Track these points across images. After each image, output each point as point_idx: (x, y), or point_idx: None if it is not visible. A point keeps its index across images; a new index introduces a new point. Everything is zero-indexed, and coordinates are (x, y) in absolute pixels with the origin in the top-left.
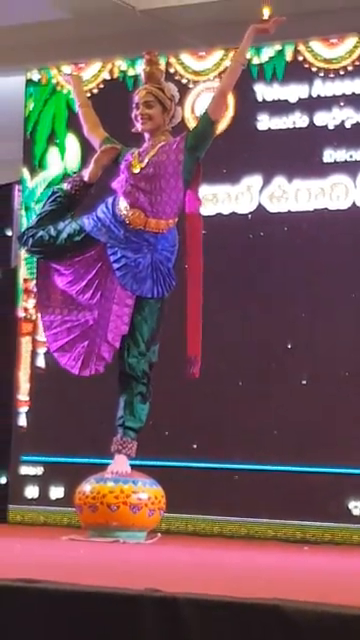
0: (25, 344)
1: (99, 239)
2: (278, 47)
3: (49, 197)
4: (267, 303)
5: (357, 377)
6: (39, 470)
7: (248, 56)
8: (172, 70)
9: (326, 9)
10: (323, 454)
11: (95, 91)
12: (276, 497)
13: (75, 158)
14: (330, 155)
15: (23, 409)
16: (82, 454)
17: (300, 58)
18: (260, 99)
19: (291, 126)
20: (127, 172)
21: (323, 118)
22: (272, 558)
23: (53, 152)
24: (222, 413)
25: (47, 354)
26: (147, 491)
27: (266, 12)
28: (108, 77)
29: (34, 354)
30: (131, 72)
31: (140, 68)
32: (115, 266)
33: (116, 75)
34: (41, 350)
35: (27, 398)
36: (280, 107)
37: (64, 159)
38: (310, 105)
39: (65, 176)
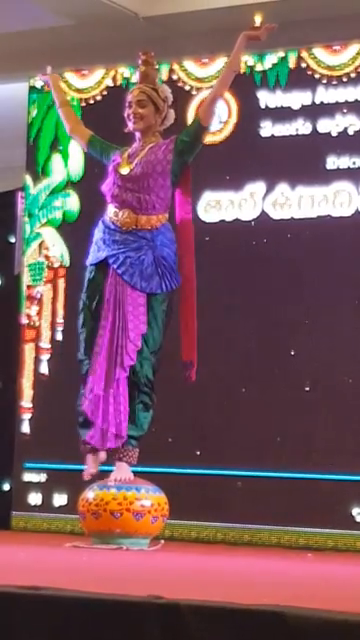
0: (28, 351)
1: (103, 258)
2: (281, 54)
3: None
4: (270, 310)
5: None
6: (42, 477)
7: (251, 63)
8: (175, 77)
9: (329, 16)
10: (326, 461)
11: (98, 98)
12: (279, 504)
13: (78, 165)
14: (333, 162)
15: (26, 416)
16: (85, 461)
17: (303, 65)
18: (263, 106)
19: (294, 133)
20: (114, 174)
21: (326, 125)
22: (275, 565)
23: (56, 159)
24: (225, 420)
25: (50, 360)
26: (150, 498)
27: (257, 19)
28: (111, 84)
29: (37, 361)
30: (134, 79)
31: (127, 72)
32: (121, 270)
33: (119, 82)
34: (44, 357)
35: (30, 405)
36: (283, 114)
37: (67, 166)
38: (313, 112)
39: (68, 183)
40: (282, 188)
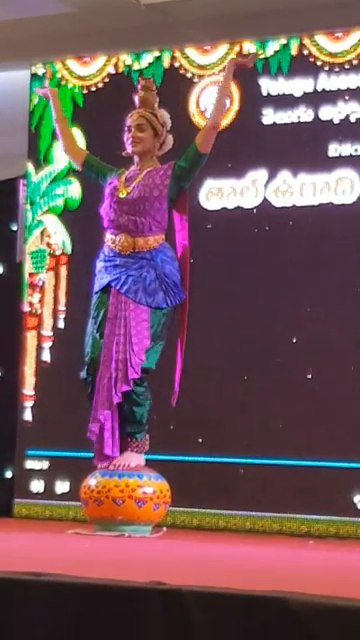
0: (30, 338)
1: (106, 284)
2: (283, 41)
3: None
4: (272, 297)
5: None
6: (45, 464)
7: (253, 50)
8: (177, 64)
9: (332, 3)
10: (328, 448)
11: (100, 85)
12: (281, 491)
13: None
14: (335, 149)
15: (28, 403)
16: (88, 448)
17: (305, 52)
18: (265, 93)
19: (296, 120)
20: (111, 198)
21: (328, 112)
22: (277, 552)
23: (58, 146)
24: (227, 407)
25: (52, 348)
26: (152, 485)
27: (247, 48)
28: (113, 71)
29: (39, 348)
30: (136, 66)
31: (137, 90)
32: (124, 289)
33: (121, 69)
34: (46, 344)
35: (32, 392)
36: (285, 101)
37: None
38: (315, 99)
39: (70, 170)
40: (284, 175)
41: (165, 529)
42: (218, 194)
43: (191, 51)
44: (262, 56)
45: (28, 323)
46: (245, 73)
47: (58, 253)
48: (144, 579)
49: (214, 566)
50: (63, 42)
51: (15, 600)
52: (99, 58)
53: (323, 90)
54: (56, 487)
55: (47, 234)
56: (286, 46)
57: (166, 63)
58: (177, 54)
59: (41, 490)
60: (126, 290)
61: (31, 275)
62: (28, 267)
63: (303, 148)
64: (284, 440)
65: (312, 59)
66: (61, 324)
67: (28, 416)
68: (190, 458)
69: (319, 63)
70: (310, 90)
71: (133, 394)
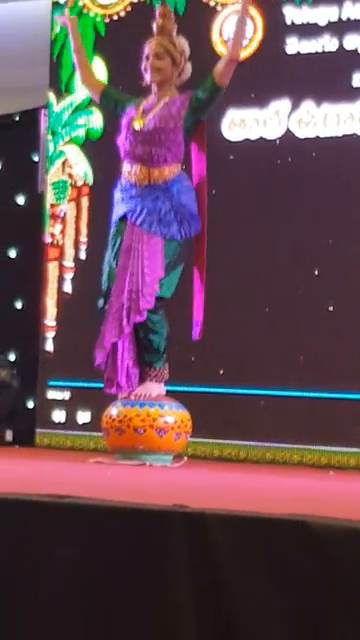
0: (52, 269)
1: (122, 215)
2: None
3: None
4: (294, 229)
5: None
6: (66, 395)
7: None
8: None
9: None
10: (349, 380)
11: (122, 14)
12: (302, 423)
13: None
14: None
15: (50, 334)
16: None
17: None
18: (289, 22)
19: (320, 50)
20: (127, 129)
21: (353, 41)
22: (298, 481)
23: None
24: (249, 339)
25: (73, 279)
26: (174, 414)
27: None
28: (135, 0)
29: (61, 279)
30: None
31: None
32: (139, 220)
33: None
34: (68, 276)
35: (54, 323)
36: (309, 30)
37: None
38: (340, 28)
39: (91, 101)
40: (307, 106)
41: (186, 459)
42: (241, 124)
43: None
44: None
45: (49, 254)
46: (269, 2)
47: (80, 184)
48: (166, 503)
49: (236, 492)
50: None
51: (37, 521)
52: None
53: (348, 19)
54: (77, 417)
55: (69, 165)
56: None
57: None
58: None
59: (63, 420)
60: (140, 222)
61: (52, 206)
62: (50, 198)
63: (327, 78)
64: (305, 372)
65: None
66: (82, 255)
67: (50, 347)
68: (211, 389)
69: None
70: (335, 19)
71: (149, 322)
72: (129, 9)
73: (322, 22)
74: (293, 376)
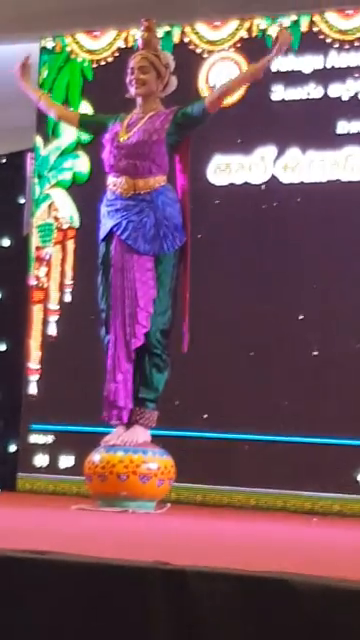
0: (36, 312)
1: (109, 229)
2: (294, 18)
3: None
4: (279, 274)
5: None
6: (49, 439)
7: (263, 26)
8: (187, 39)
9: None
10: (333, 425)
11: (110, 59)
12: (285, 468)
13: None
14: (344, 127)
15: (34, 377)
16: (92, 423)
17: (315, 29)
18: (275, 69)
19: (305, 97)
20: (111, 143)
21: (337, 89)
22: (281, 529)
23: None
24: (233, 383)
25: (58, 322)
26: (157, 461)
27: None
28: (123, 45)
29: (45, 322)
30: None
31: (138, 35)
32: (124, 235)
33: (131, 43)
34: (52, 318)
35: (38, 366)
36: (295, 78)
37: None
38: (325, 76)
39: (78, 144)
40: (293, 152)
41: (169, 505)
42: (226, 169)
43: (201, 26)
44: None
45: (34, 297)
46: (255, 49)
47: (65, 227)
48: (148, 557)
49: (218, 544)
50: (73, 16)
51: (17, 578)
52: (109, 32)
53: (333, 67)
54: (60, 462)
55: (54, 208)
56: (296, 23)
57: (176, 38)
58: (187, 29)
59: (45, 464)
60: (127, 237)
61: (38, 249)
62: (35, 240)
63: (312, 125)
64: (289, 417)
65: (322, 36)
66: (67, 298)
67: (33, 390)
68: (195, 434)
69: (329, 40)
70: (320, 67)
71: (159, 359)
72: (117, 54)
73: (307, 70)
74: (277, 421)
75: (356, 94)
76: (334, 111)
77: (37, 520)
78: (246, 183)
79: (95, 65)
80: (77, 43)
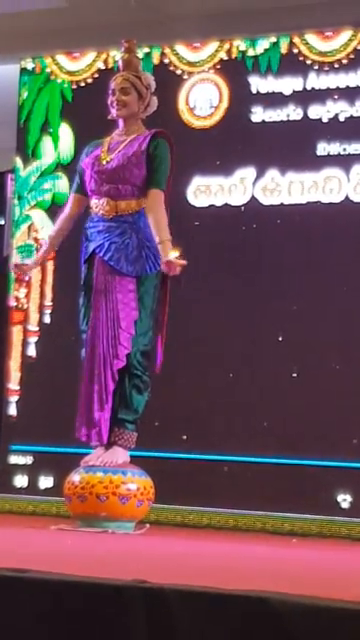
0: (16, 333)
1: (91, 251)
2: (273, 39)
3: None
4: (259, 295)
5: (347, 370)
6: (29, 459)
7: (243, 48)
8: (167, 61)
9: (321, 1)
10: (312, 446)
11: (89, 80)
12: (265, 489)
13: (68, 148)
14: (324, 148)
15: (13, 398)
16: (72, 444)
17: (295, 51)
18: (254, 91)
19: (285, 119)
20: (91, 167)
21: (317, 111)
22: (260, 550)
23: (47, 141)
24: (212, 405)
25: (38, 343)
26: (136, 481)
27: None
28: (103, 67)
29: (25, 343)
30: None
31: (118, 56)
32: (107, 256)
33: (110, 65)
34: (32, 339)
35: (17, 387)
36: (274, 99)
37: (57, 148)
38: (304, 98)
39: (58, 165)
40: (272, 174)
41: (148, 526)
42: (206, 191)
43: (181, 48)
44: (252, 54)
45: (14, 318)
46: (234, 71)
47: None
48: (127, 576)
49: (197, 564)
50: (53, 37)
51: None
52: (89, 53)
53: (312, 89)
54: (40, 482)
55: (35, 229)
56: (276, 44)
57: (156, 59)
58: (167, 50)
59: (25, 485)
60: (109, 258)
61: None
62: (15, 261)
63: (292, 146)
64: (269, 438)
65: (302, 58)
66: (47, 319)
67: (13, 411)
68: (174, 455)
69: (309, 62)
70: (299, 89)
71: (139, 380)
72: (96, 76)
73: (287, 91)
74: (257, 442)
75: (336, 115)
76: (314, 133)
77: (17, 540)
78: (226, 204)
79: (75, 86)
80: (57, 64)
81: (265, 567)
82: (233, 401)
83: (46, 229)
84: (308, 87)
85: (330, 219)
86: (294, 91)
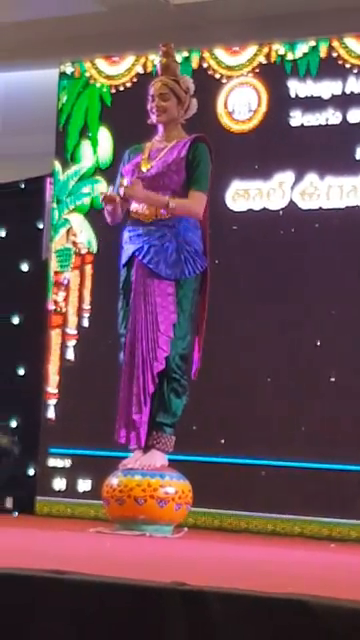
0: (55, 337)
1: (131, 254)
2: (312, 43)
3: None
4: (297, 300)
5: None
6: (67, 462)
7: (282, 52)
8: (205, 65)
9: None
10: (351, 451)
11: (128, 85)
12: (303, 494)
13: (107, 152)
14: None
15: (52, 401)
16: (110, 447)
17: (334, 54)
18: (293, 95)
19: (324, 123)
20: (132, 174)
21: (356, 115)
22: (298, 555)
23: (85, 145)
24: (250, 409)
25: (76, 347)
26: (174, 485)
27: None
28: (141, 71)
29: (64, 347)
30: None
31: (157, 60)
32: (146, 259)
33: (149, 69)
34: (70, 343)
35: (56, 391)
36: (313, 103)
37: (96, 152)
38: (343, 102)
39: (97, 169)
40: (311, 178)
41: (186, 529)
42: (244, 195)
43: (220, 52)
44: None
45: (53, 321)
46: (273, 75)
47: (83, 252)
48: (165, 579)
49: (235, 567)
50: (92, 41)
51: (36, 597)
52: (128, 58)
53: (352, 93)
54: (78, 485)
55: (73, 233)
56: (315, 48)
57: (195, 64)
58: (206, 55)
59: (63, 488)
60: (148, 260)
61: (56, 273)
62: (54, 265)
63: (330, 151)
64: (307, 442)
65: (341, 61)
66: (85, 323)
67: (51, 414)
68: (212, 459)
69: (348, 65)
70: (338, 92)
71: (178, 384)
72: (135, 80)
73: (326, 95)
74: (295, 446)
75: None
76: (353, 136)
77: (56, 542)
78: (264, 209)
79: (114, 90)
80: (96, 68)
81: (303, 572)
82: (271, 405)
83: (84, 233)
84: (347, 91)
85: None
86: (333, 95)
